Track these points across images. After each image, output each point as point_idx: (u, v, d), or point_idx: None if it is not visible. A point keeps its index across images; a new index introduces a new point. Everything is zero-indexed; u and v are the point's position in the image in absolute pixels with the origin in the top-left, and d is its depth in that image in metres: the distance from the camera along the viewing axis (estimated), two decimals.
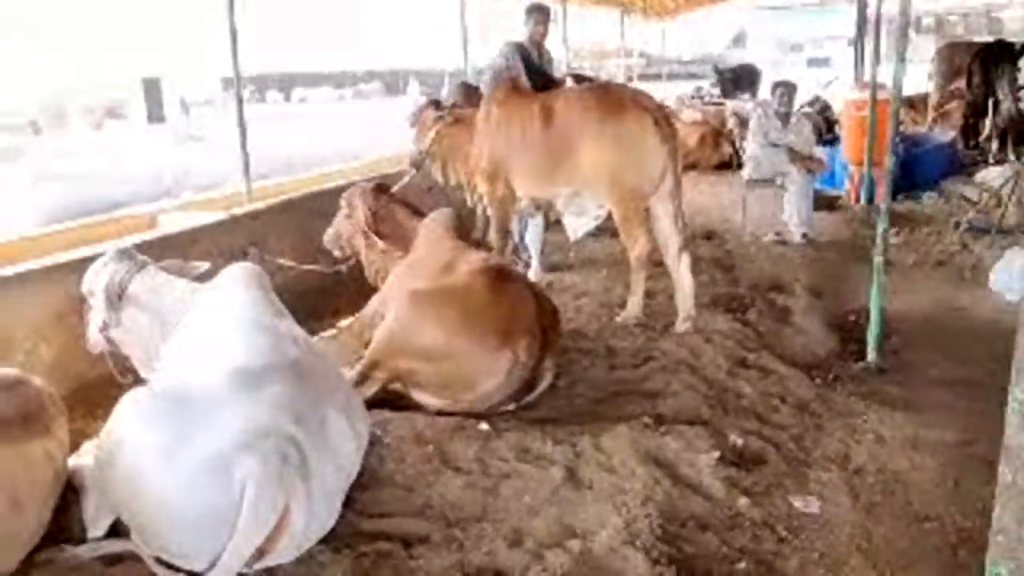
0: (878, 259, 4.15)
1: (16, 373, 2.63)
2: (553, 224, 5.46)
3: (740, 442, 3.21)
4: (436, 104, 5.27)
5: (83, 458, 2.85)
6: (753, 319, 4.76)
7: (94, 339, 3.31)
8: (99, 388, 3.64)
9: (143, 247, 3.68)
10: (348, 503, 2.63)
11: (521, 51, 5.32)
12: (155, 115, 26.94)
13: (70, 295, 3.40)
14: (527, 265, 5.69)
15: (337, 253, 4.60)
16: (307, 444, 2.37)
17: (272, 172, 8.14)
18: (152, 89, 27.54)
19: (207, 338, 2.75)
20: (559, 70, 5.42)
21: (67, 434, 2.71)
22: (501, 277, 3.57)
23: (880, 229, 4.13)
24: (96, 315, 3.26)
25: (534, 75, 5.24)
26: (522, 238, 5.83)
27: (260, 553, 2.25)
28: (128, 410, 2.37)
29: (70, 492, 2.64)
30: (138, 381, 3.23)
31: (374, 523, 2.62)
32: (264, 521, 2.21)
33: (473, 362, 3.32)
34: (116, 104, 28.65)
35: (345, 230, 4.52)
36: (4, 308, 3.43)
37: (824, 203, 7.80)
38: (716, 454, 3.03)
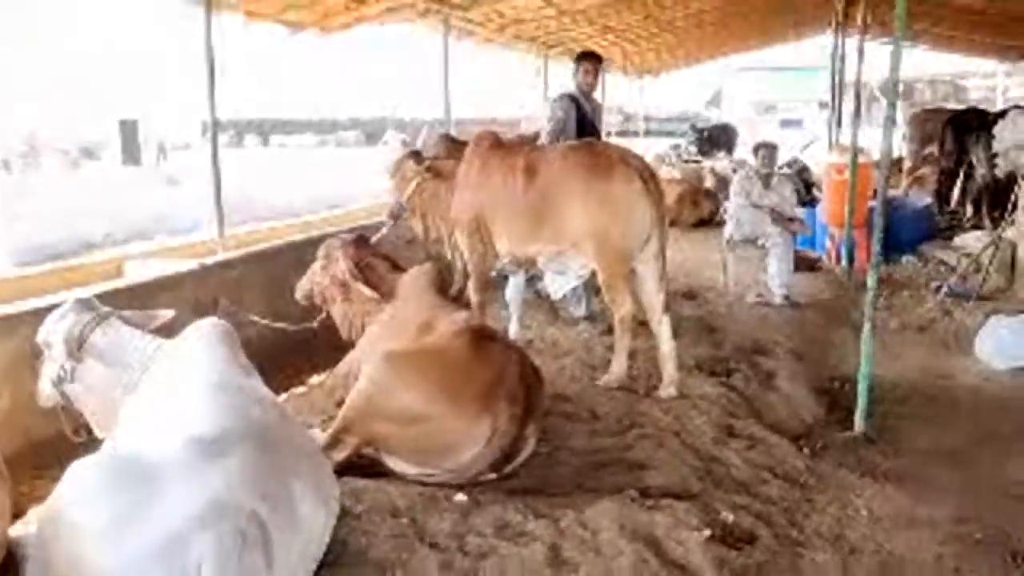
0: (867, 326, 4.06)
1: None
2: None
3: (731, 518, 3.05)
4: (416, 155, 5.16)
5: (28, 526, 2.63)
6: (739, 384, 4.64)
7: (47, 393, 3.11)
8: (50, 446, 3.43)
9: (107, 296, 3.50)
10: None
11: (574, 101, 5.44)
12: (131, 157, 26.72)
13: (20, 347, 3.20)
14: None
15: (304, 303, 4.43)
16: (270, 521, 2.17)
17: (244, 217, 8.00)
18: (129, 131, 27.36)
19: (167, 401, 2.57)
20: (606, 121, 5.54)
21: (8, 500, 2.49)
22: (482, 338, 3.42)
23: (868, 296, 4.06)
24: (51, 367, 3.06)
25: (584, 127, 5.33)
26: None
27: None
28: (75, 481, 2.17)
29: (10, 561, 2.42)
30: (92, 439, 3.03)
31: None
32: None
33: (451, 429, 3.14)
34: (92, 145, 28.41)
35: (320, 282, 4.37)
36: None
37: (804, 265, 7.77)
38: (706, 532, 2.86)
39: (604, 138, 5.81)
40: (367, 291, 4.16)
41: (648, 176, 4.31)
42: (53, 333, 3.04)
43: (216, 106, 5.10)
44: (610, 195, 4.22)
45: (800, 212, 7.60)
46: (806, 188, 10.11)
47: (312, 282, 4.41)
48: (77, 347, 2.98)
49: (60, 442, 3.27)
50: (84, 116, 29.40)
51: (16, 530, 2.62)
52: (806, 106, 38.57)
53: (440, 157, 5.38)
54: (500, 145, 4.77)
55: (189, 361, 2.72)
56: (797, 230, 6.97)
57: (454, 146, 5.37)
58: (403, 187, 5.21)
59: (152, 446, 2.31)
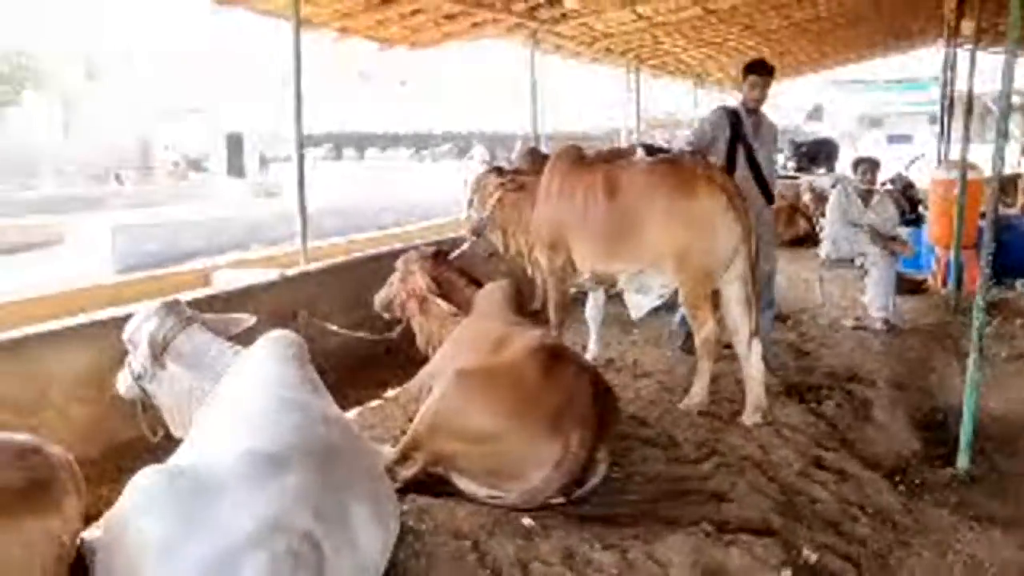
0: (973, 355, 3.77)
1: (30, 441, 2.48)
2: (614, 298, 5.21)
3: (814, 558, 2.86)
4: (499, 170, 5.12)
5: (98, 531, 2.68)
6: (830, 413, 4.39)
7: (127, 385, 3.19)
8: (130, 450, 3.51)
9: (192, 304, 3.57)
10: None
11: (731, 117, 4.96)
12: (236, 169, 27.84)
13: (106, 354, 3.29)
14: None
15: (386, 316, 4.45)
16: (325, 541, 2.13)
17: (338, 228, 8.15)
18: (234, 144, 28.53)
19: (233, 412, 2.58)
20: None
21: (79, 510, 2.53)
22: (555, 358, 3.32)
23: (976, 322, 3.76)
24: (134, 363, 3.15)
25: (739, 146, 4.90)
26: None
27: None
28: (136, 491, 2.18)
29: (81, 564, 2.46)
30: (169, 438, 3.09)
31: None
32: None
33: (520, 450, 3.06)
34: (201, 157, 29.75)
35: (398, 294, 4.37)
36: (37, 365, 3.34)
37: (908, 287, 7.36)
38: (786, 572, 2.69)
39: (769, 163, 5.18)
40: (444, 305, 4.14)
41: (734, 193, 4.14)
42: (138, 331, 3.13)
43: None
44: (693, 212, 4.06)
45: (903, 231, 7.20)
46: (911, 206, 9.59)
47: (390, 294, 4.42)
48: (161, 348, 3.05)
49: (142, 445, 3.35)
50: (194, 130, 30.81)
51: (90, 533, 2.66)
52: (915, 120, 36.94)
53: (523, 171, 5.34)
54: (581, 160, 4.68)
55: (257, 374, 2.73)
56: (898, 250, 6.60)
57: (539, 161, 5.32)
58: (484, 202, 5.18)
59: (214, 458, 2.31)
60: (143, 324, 3.14)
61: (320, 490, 2.23)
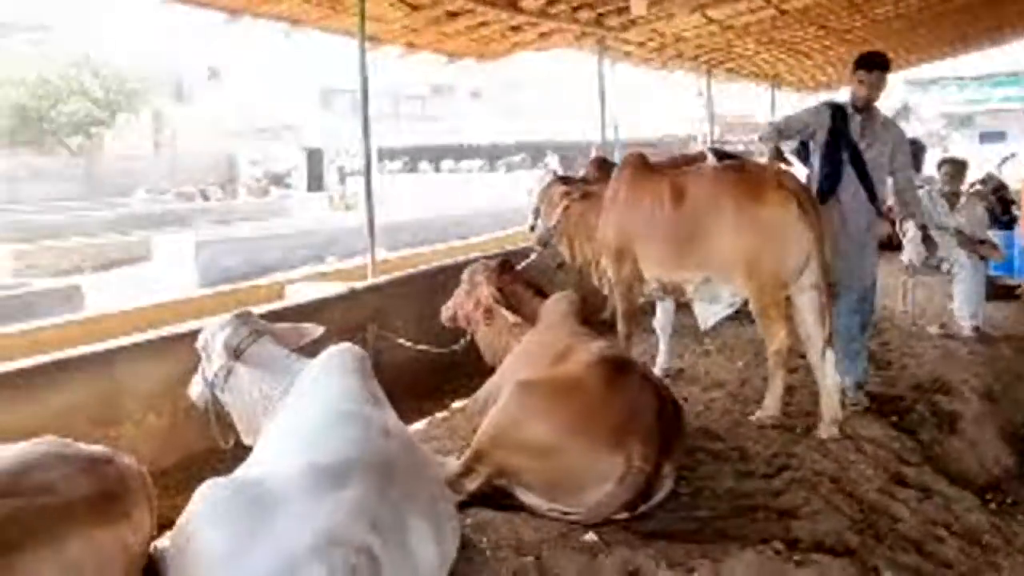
0: None
1: (103, 452, 2.56)
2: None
3: None
4: (565, 179, 5.08)
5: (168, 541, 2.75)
6: (914, 426, 4.19)
7: (198, 391, 3.28)
8: (204, 460, 3.61)
9: (267, 317, 3.66)
10: None
11: (834, 113, 4.49)
12: (315, 183, 28.58)
13: (180, 366, 3.38)
14: None
15: (449, 325, 4.46)
16: (383, 555, 2.14)
17: (412, 240, 8.26)
18: (314, 159, 29.31)
19: (296, 425, 2.62)
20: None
21: (150, 519, 2.61)
22: (619, 369, 3.26)
23: None
24: (207, 371, 3.23)
25: (842, 145, 4.43)
26: None
27: None
28: (201, 503, 2.24)
29: (153, 570, 2.53)
30: (239, 445, 3.15)
31: None
32: None
33: (581, 464, 3.01)
34: (283, 173, 30.67)
35: (464, 306, 4.38)
36: (117, 377, 3.46)
37: (999, 293, 6.99)
38: None
39: (880, 168, 4.53)
40: (509, 316, 4.12)
41: (805, 199, 4.00)
42: (212, 340, 3.21)
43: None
44: (762, 219, 3.94)
45: (993, 234, 6.85)
46: (1003, 208, 9.13)
47: (456, 306, 4.43)
48: (233, 357, 3.11)
49: (215, 456, 3.44)
50: (278, 147, 31.80)
51: (162, 541, 2.74)
52: (1009, 118, 35.26)
53: (590, 180, 5.28)
54: (647, 167, 4.60)
55: (319, 387, 2.77)
56: (987, 254, 6.28)
57: (606, 169, 5.26)
58: (551, 212, 5.15)
59: (276, 471, 2.35)
60: (217, 334, 3.21)
61: (378, 503, 2.24)
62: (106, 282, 12.38)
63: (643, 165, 4.61)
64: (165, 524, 2.81)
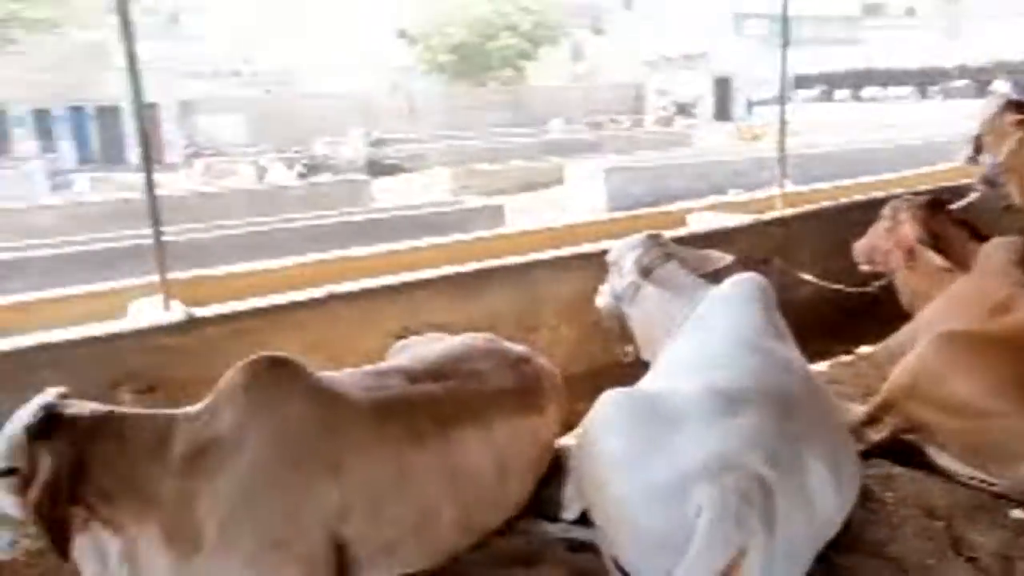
0: None
1: (523, 352, 2.86)
2: None
3: None
4: (1018, 105, 4.32)
5: (571, 442, 3.00)
6: None
7: (606, 302, 3.45)
8: (607, 373, 3.83)
9: (672, 241, 3.73)
10: (821, 561, 2.29)
11: None
12: (721, 113, 28.15)
13: (591, 283, 3.60)
14: None
15: (866, 268, 4.13)
16: (777, 487, 2.10)
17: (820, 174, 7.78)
18: (722, 88, 28.80)
19: (697, 349, 2.66)
20: None
21: (560, 415, 2.87)
22: None
23: None
24: (616, 283, 3.36)
25: None
26: None
27: None
28: (603, 411, 2.39)
29: (554, 471, 2.80)
30: (639, 361, 3.28)
31: None
32: (715, 556, 2.02)
33: (1012, 431, 2.63)
34: (690, 103, 30.69)
35: (883, 245, 4.02)
36: (538, 288, 3.80)
37: None
38: None
39: None
40: (937, 259, 3.70)
41: None
42: (624, 257, 3.34)
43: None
44: None
45: None
46: None
47: (873, 244, 4.08)
48: (642, 276, 3.23)
49: (618, 371, 3.64)
50: (687, 76, 31.80)
51: (565, 440, 3.01)
52: None
53: None
54: None
55: (723, 314, 2.77)
56: None
57: None
58: (999, 144, 4.45)
59: (675, 390, 2.42)
60: (628, 252, 3.34)
61: (775, 436, 2.19)
62: (524, 203, 13.64)
63: None
64: (569, 427, 3.09)
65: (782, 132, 4.99)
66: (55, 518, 2.05)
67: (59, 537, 2.07)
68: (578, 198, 13.01)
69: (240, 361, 2.31)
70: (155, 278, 3.27)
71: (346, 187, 14.11)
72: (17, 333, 2.92)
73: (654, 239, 3.32)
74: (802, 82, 30.06)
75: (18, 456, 2.09)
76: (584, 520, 2.54)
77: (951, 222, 3.85)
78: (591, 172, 13.30)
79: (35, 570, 2.68)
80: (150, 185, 3.20)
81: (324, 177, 17.87)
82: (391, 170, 20.18)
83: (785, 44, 4.90)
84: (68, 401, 2.18)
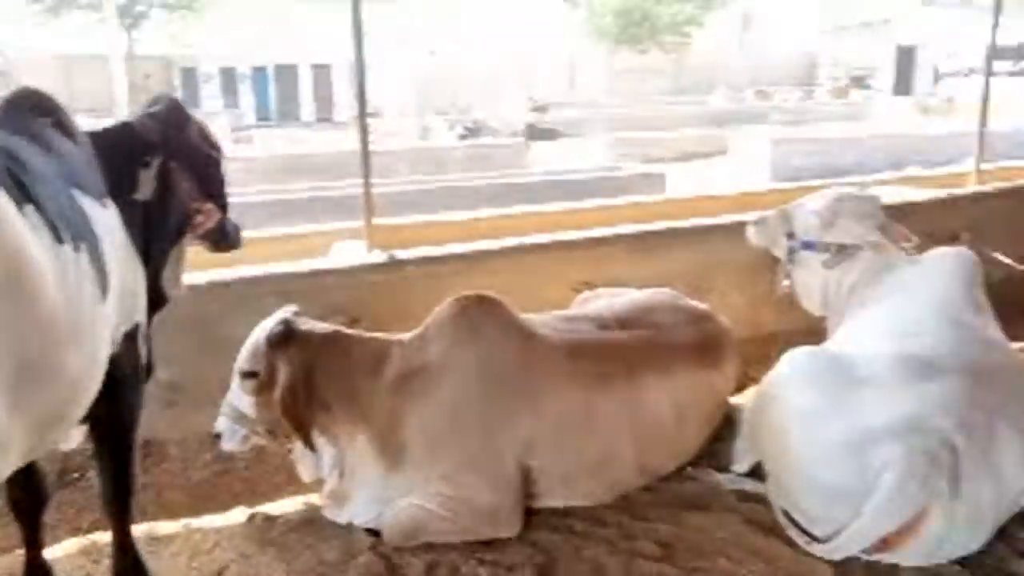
0: None
1: (706, 310, 2.96)
2: None
3: None
4: None
5: (745, 400, 3.07)
6: None
7: (776, 244, 3.35)
8: (773, 340, 3.83)
9: None
10: (1002, 536, 2.28)
11: None
12: (902, 85, 26.36)
13: (762, 254, 3.60)
14: None
15: None
16: (964, 453, 2.13)
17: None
18: (905, 58, 26.92)
19: (890, 315, 2.68)
20: None
21: (735, 372, 2.95)
22: None
23: None
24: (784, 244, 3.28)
25: None
26: None
27: (884, 544, 2.13)
28: (788, 369, 2.46)
29: (727, 425, 2.89)
30: (805, 327, 3.25)
31: None
32: (895, 514, 2.09)
33: None
34: (865, 73, 28.88)
35: None
36: (710, 253, 3.86)
37: None
38: None
39: None
40: None
41: None
42: (798, 218, 3.25)
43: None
44: None
45: None
46: None
47: None
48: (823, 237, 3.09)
49: (783, 337, 3.63)
50: (863, 44, 29.88)
51: (737, 399, 3.09)
52: None
53: None
54: None
55: (924, 285, 2.75)
56: None
57: None
58: None
59: (865, 353, 2.46)
60: (807, 214, 3.24)
61: (967, 404, 2.21)
62: (685, 172, 13.44)
63: None
64: (737, 389, 3.15)
65: (984, 106, 4.75)
66: (295, 416, 2.36)
67: (302, 431, 2.39)
68: (741, 170, 12.69)
69: (448, 298, 2.54)
70: (356, 223, 3.58)
71: (506, 151, 14.35)
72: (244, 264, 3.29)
73: (869, 199, 3.19)
74: (1000, 53, 27.61)
75: (259, 361, 2.42)
76: (752, 474, 2.63)
77: None
78: (756, 143, 12.91)
79: (251, 472, 3.06)
80: (364, 143, 3.50)
81: (484, 140, 18.25)
82: (550, 135, 20.31)
83: (997, 10, 4.63)
84: (302, 318, 2.49)
